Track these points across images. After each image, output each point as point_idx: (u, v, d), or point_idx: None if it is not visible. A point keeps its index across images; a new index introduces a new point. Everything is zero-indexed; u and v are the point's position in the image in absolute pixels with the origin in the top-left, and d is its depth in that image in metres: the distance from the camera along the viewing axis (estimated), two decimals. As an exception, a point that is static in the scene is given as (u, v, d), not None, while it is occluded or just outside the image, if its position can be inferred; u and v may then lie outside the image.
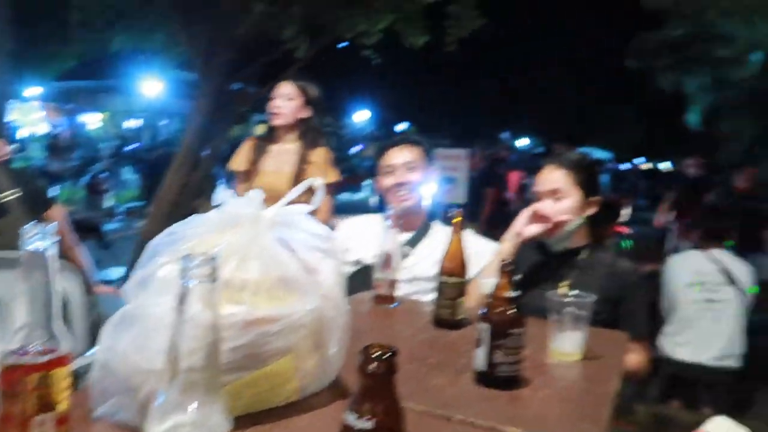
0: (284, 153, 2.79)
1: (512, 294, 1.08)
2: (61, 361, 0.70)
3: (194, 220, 0.94)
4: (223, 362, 0.74)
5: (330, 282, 0.95)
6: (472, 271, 1.53)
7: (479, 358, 1.07)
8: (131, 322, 0.83)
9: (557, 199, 1.82)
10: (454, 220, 1.49)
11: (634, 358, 1.75)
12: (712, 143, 19.32)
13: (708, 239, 3.48)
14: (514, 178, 9.52)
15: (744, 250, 3.71)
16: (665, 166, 27.92)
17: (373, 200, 9.80)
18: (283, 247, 0.91)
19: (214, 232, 0.90)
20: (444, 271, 1.46)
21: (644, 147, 28.31)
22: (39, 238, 0.68)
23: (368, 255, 1.97)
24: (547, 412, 1.00)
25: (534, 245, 1.91)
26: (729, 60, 14.84)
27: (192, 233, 0.92)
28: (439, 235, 2.17)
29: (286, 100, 2.77)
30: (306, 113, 2.81)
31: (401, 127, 20.82)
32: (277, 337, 0.84)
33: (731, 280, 3.31)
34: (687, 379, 3.30)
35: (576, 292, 1.30)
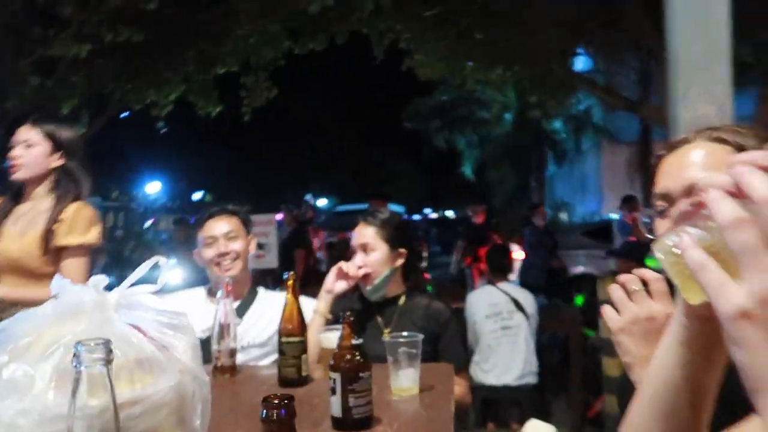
0: (33, 212, 2.26)
1: (356, 341, 1.18)
2: None
3: (25, 314, 0.89)
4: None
5: (186, 357, 0.96)
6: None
7: (334, 405, 1.14)
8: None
9: (368, 252, 2.00)
10: (289, 283, 1.56)
11: (458, 388, 1.96)
12: (485, 190, 22.01)
13: (496, 274, 3.99)
14: (321, 236, 9.83)
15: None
16: (450, 213, 30.87)
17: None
18: (133, 329, 0.90)
19: (54, 324, 0.87)
20: (284, 333, 1.51)
21: (429, 198, 31.13)
22: None
23: (197, 329, 1.93)
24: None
25: (356, 297, 2.06)
26: (488, 120, 17.39)
27: (27, 327, 0.87)
28: (266, 301, 2.20)
29: (25, 148, 2.24)
30: (56, 161, 2.27)
31: (197, 196, 20.21)
32: (142, 419, 0.83)
33: (519, 307, 3.81)
34: (497, 401, 3.68)
35: (406, 333, 1.44)
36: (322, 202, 32.40)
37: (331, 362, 1.18)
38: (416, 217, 30.76)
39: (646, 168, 12.45)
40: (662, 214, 0.98)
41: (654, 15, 3.74)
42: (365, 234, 2.03)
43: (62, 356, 0.80)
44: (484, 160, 19.74)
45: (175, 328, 0.98)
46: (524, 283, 5.55)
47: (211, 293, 2.20)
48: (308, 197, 10.42)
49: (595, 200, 16.01)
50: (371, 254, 2.00)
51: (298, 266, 6.30)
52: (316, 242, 9.15)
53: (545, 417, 3.80)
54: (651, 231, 1.01)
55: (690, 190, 0.95)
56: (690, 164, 0.96)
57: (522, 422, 3.15)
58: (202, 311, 2.06)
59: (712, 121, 1.10)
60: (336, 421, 1.15)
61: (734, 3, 2.37)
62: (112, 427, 0.62)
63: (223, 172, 22.52)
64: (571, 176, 18.71)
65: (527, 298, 3.91)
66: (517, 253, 7.89)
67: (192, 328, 1.00)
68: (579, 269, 7.80)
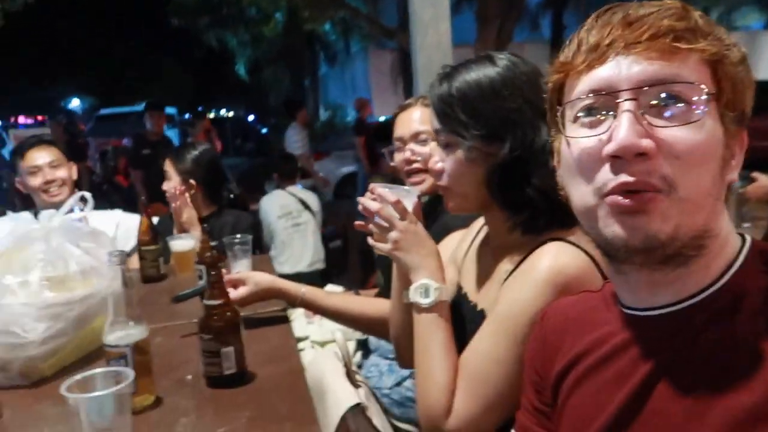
0: None
1: (213, 243, 1.72)
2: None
3: None
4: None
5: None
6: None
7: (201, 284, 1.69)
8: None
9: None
10: (142, 206, 1.99)
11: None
12: (260, 90, 21.92)
13: (284, 179, 4.60)
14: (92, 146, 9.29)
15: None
16: (225, 113, 30.13)
17: None
18: (73, 247, 1.33)
19: (18, 246, 1.26)
20: (142, 243, 1.98)
21: (202, 98, 29.86)
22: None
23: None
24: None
25: None
26: (258, 19, 17.08)
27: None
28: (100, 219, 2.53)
29: None
30: None
31: None
32: (99, 306, 1.29)
33: (306, 206, 4.51)
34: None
35: (239, 235, 1.99)
36: (75, 103, 29.01)
37: (196, 258, 1.70)
38: (188, 116, 29.46)
39: (407, 74, 13.82)
40: (398, 150, 1.69)
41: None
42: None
43: (43, 267, 1.22)
44: (258, 59, 19.58)
45: (97, 241, 1.41)
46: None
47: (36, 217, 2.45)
48: (74, 105, 9.62)
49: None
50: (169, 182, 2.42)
51: (82, 184, 6.12)
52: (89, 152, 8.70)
53: (331, 292, 4.68)
54: (392, 159, 1.73)
55: (415, 136, 1.66)
56: (413, 119, 1.66)
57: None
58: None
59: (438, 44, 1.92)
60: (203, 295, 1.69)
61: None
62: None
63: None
64: (342, 78, 19.64)
65: (312, 198, 4.62)
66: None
67: (109, 238, 1.43)
68: (353, 167, 8.74)
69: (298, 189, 4.64)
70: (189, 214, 2.33)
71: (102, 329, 1.32)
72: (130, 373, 0.94)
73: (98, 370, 0.96)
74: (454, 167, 1.05)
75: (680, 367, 0.64)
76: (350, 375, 1.27)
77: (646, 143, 0.61)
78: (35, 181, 2.37)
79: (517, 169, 0.99)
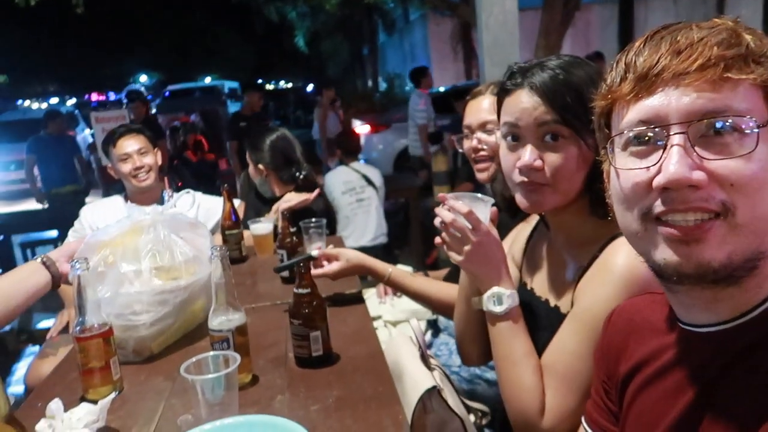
0: None
1: (293, 229, 1.83)
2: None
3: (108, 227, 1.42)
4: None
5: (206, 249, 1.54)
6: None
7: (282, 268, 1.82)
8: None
9: None
10: (224, 191, 2.14)
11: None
12: (319, 62, 22.02)
13: (347, 155, 4.71)
14: (163, 122, 9.67)
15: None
16: (284, 84, 30.47)
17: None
18: (177, 237, 1.46)
19: (127, 234, 1.41)
20: (225, 227, 2.14)
21: (262, 70, 30.33)
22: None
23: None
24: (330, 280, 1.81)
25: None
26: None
27: (112, 234, 1.41)
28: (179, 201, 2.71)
29: None
30: None
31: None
32: (200, 291, 1.43)
33: (369, 182, 4.61)
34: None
35: (314, 219, 2.11)
36: (143, 79, 30.05)
37: (277, 243, 1.83)
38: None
39: (467, 42, 13.56)
40: (466, 137, 1.76)
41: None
42: None
43: (152, 257, 1.36)
44: (317, 31, 19.64)
45: (197, 233, 1.54)
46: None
47: (127, 199, 2.64)
48: (142, 84, 10.01)
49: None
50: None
51: (163, 161, 6.40)
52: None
53: (395, 266, 4.80)
54: (461, 146, 1.78)
55: (483, 125, 1.70)
56: (482, 109, 1.70)
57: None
58: (123, 215, 2.52)
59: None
60: (284, 279, 1.82)
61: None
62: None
63: (21, 54, 19.92)
64: (401, 47, 19.47)
65: (375, 173, 4.71)
66: (362, 128, 8.66)
67: (206, 229, 1.57)
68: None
69: (361, 164, 4.74)
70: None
71: (201, 312, 1.47)
72: (236, 356, 1.06)
73: (210, 353, 1.08)
74: (565, 163, 1.02)
75: (731, 384, 0.65)
76: (425, 358, 1.36)
77: (698, 175, 0.61)
78: (126, 168, 2.56)
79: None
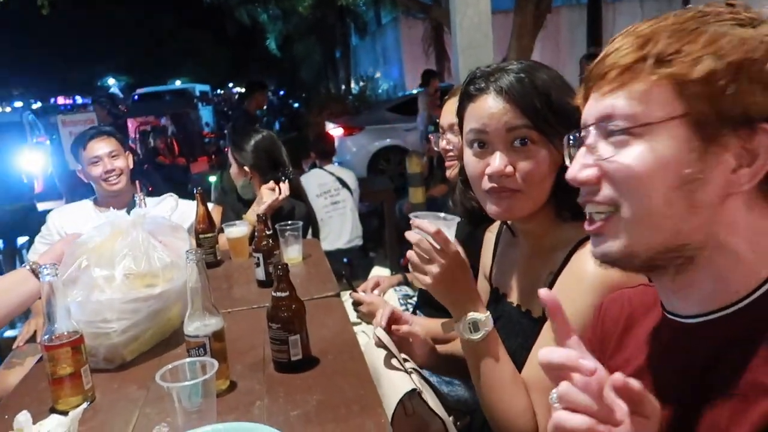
0: None
1: (269, 232, 1.80)
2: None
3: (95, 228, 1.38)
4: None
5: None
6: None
7: (259, 273, 1.78)
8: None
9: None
10: (197, 195, 2.09)
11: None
12: (292, 64, 21.91)
13: (322, 158, 4.68)
14: (132, 126, 9.50)
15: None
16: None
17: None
18: (156, 241, 1.42)
19: (109, 238, 1.36)
20: (200, 231, 2.09)
21: (233, 73, 30.03)
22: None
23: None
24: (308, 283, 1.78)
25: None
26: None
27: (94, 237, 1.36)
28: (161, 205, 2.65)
29: None
30: None
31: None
32: (176, 298, 1.40)
33: (344, 184, 4.58)
34: (330, 262, 4.53)
35: (290, 222, 2.08)
36: (111, 83, 29.49)
37: (253, 247, 1.80)
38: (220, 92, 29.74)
39: (439, 44, 13.64)
40: (441, 137, 1.84)
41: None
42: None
43: (128, 262, 1.32)
44: (289, 34, 19.55)
45: (175, 236, 1.50)
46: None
47: (97, 204, 2.57)
48: (113, 87, 9.82)
49: (396, 72, 17.07)
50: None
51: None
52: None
53: (369, 269, 4.79)
54: (437, 145, 1.82)
55: (452, 126, 1.72)
56: (452, 110, 1.71)
57: (353, 276, 4.04)
58: (93, 219, 2.46)
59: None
60: (260, 282, 1.79)
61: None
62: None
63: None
64: (373, 49, 19.49)
65: (349, 176, 4.69)
66: (335, 131, 8.62)
67: (185, 233, 1.53)
68: (386, 142, 8.76)
69: (335, 167, 4.71)
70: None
71: (177, 318, 1.43)
72: (214, 362, 1.03)
73: (186, 360, 1.05)
74: (536, 168, 1.00)
75: (714, 377, 0.67)
76: (401, 363, 1.34)
77: (586, 173, 0.70)
78: (96, 171, 2.49)
79: None
